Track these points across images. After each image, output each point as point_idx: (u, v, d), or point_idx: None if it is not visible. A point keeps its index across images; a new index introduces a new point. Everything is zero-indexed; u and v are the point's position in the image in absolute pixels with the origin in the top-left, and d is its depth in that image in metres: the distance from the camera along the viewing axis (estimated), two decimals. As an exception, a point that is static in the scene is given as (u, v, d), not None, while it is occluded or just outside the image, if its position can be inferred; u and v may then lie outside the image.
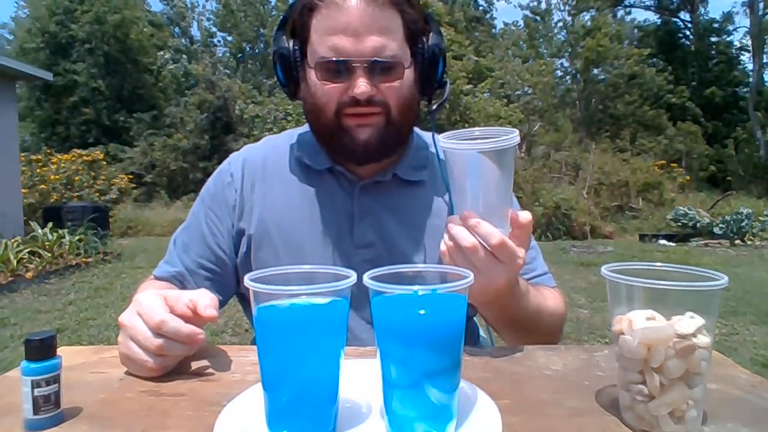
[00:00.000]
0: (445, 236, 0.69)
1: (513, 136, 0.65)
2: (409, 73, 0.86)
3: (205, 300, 0.68)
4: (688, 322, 0.49)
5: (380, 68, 0.82)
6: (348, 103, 0.83)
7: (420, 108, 0.93)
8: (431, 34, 0.88)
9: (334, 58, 0.81)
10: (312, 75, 0.85)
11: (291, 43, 0.87)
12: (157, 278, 0.95)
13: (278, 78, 0.90)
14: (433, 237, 0.92)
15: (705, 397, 0.52)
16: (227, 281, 0.96)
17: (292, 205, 0.93)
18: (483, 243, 0.66)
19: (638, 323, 0.51)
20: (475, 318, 1.09)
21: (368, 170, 0.93)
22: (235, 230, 0.94)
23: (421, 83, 0.89)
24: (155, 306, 0.67)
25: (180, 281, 0.93)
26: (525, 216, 0.69)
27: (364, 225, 0.91)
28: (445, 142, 0.67)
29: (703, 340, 0.49)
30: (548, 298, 0.89)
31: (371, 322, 0.53)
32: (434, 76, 0.89)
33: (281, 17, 0.91)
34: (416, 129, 1.01)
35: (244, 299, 1.01)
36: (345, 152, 0.88)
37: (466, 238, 0.66)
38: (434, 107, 0.93)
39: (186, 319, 0.66)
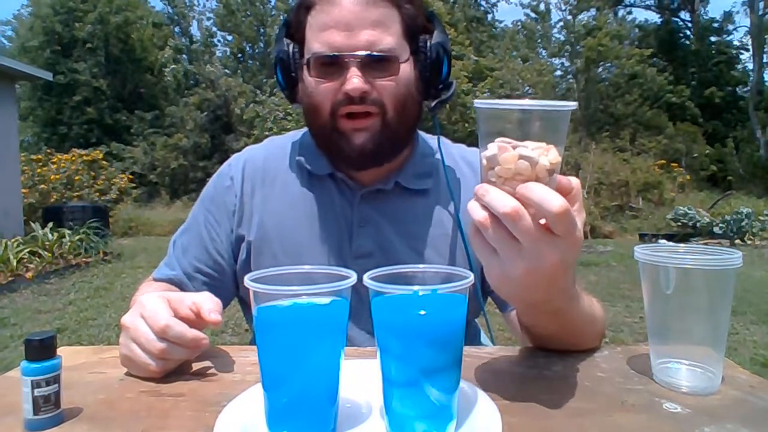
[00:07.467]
0: (475, 210, 0.53)
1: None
2: (406, 70, 0.82)
3: (209, 304, 0.67)
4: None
5: (374, 63, 0.79)
6: (342, 101, 0.80)
7: (422, 109, 0.90)
8: (435, 32, 0.85)
9: (326, 53, 0.79)
10: (308, 74, 0.83)
11: (290, 46, 0.86)
12: (156, 280, 0.95)
13: (278, 81, 0.89)
14: (435, 248, 0.90)
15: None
16: (226, 286, 0.94)
17: (292, 210, 0.91)
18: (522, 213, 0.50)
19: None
20: (476, 320, 1.07)
21: (369, 177, 0.90)
22: (235, 236, 0.93)
23: (424, 83, 0.86)
24: (159, 309, 0.66)
25: (178, 285, 0.92)
26: (574, 180, 0.55)
27: (363, 234, 0.89)
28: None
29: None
30: (592, 298, 0.76)
31: (371, 332, 0.52)
32: (438, 77, 0.85)
33: (283, 19, 0.89)
34: (422, 134, 0.98)
35: (244, 303, 1.00)
36: (341, 157, 0.86)
37: (505, 203, 0.50)
38: (433, 104, 0.88)
39: (189, 323, 0.66)
